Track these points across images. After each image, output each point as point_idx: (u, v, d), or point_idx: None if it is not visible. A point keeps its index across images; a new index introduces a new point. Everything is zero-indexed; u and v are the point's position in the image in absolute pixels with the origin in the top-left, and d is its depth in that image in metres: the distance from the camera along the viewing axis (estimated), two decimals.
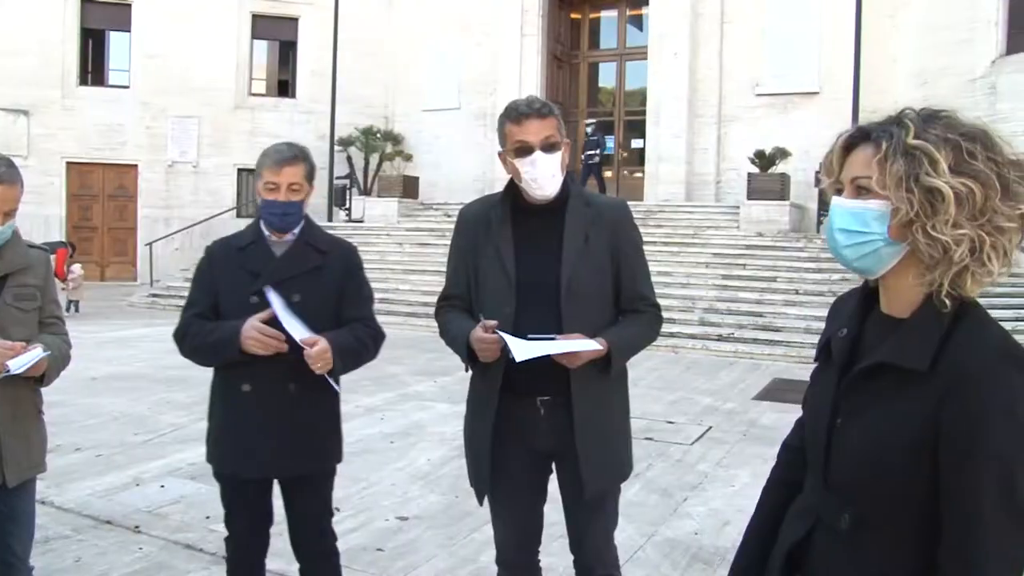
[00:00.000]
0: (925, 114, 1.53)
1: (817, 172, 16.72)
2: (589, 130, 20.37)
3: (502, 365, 2.68)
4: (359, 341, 3.06)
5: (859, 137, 1.57)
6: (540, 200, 2.75)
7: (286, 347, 2.85)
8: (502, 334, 2.58)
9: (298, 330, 2.86)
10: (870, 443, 1.53)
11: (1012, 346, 1.46)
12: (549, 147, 2.67)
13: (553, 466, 2.90)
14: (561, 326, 2.66)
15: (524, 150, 2.66)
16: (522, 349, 2.51)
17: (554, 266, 2.71)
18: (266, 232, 3.07)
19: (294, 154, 3.02)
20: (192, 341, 3.02)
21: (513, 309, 2.70)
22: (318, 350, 2.84)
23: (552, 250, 2.73)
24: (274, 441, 2.97)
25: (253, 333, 2.84)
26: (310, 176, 3.08)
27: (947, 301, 1.47)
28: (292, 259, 3.04)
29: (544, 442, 2.78)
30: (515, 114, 2.68)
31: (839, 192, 1.58)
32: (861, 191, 1.53)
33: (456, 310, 2.92)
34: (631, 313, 2.84)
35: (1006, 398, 1.40)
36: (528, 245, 2.76)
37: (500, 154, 2.77)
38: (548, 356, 2.57)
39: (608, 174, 22.54)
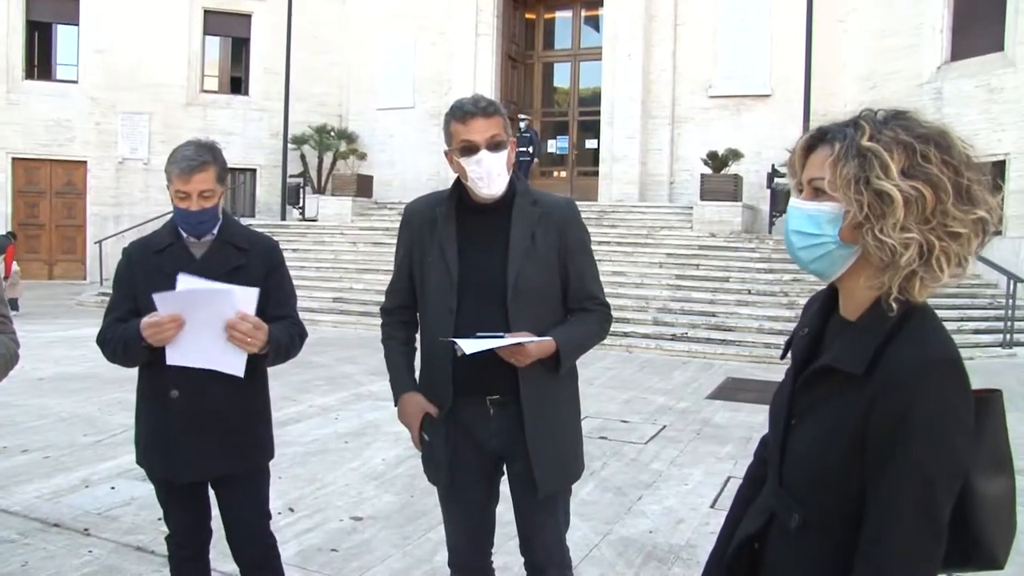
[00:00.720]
0: (884, 115, 1.52)
1: (769, 173, 16.94)
2: (522, 126, 20.21)
3: (449, 366, 2.69)
4: (290, 337, 3.02)
5: (818, 138, 1.56)
6: (486, 199, 2.74)
7: (179, 323, 2.76)
8: (452, 339, 2.58)
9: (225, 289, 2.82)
10: (813, 446, 1.55)
11: (949, 354, 1.45)
12: (495, 146, 2.66)
13: (504, 467, 2.89)
14: (508, 325, 2.66)
15: (470, 149, 2.65)
16: (470, 344, 2.52)
17: (500, 265, 2.70)
18: (184, 233, 2.99)
19: (203, 160, 2.89)
20: (110, 345, 2.96)
21: (455, 307, 2.70)
22: (255, 325, 2.80)
23: (498, 249, 2.72)
24: (203, 445, 2.93)
25: (146, 321, 2.78)
26: (222, 177, 2.97)
27: (894, 305, 1.47)
28: (212, 260, 2.96)
29: (494, 442, 2.78)
30: (460, 113, 2.67)
31: (800, 192, 1.58)
32: (817, 192, 1.52)
33: (397, 336, 2.95)
34: (580, 312, 2.84)
35: (934, 405, 1.40)
36: (474, 244, 2.75)
37: (447, 153, 2.77)
38: (497, 356, 2.58)
39: (563, 174, 22.62)
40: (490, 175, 2.67)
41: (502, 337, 2.57)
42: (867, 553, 1.45)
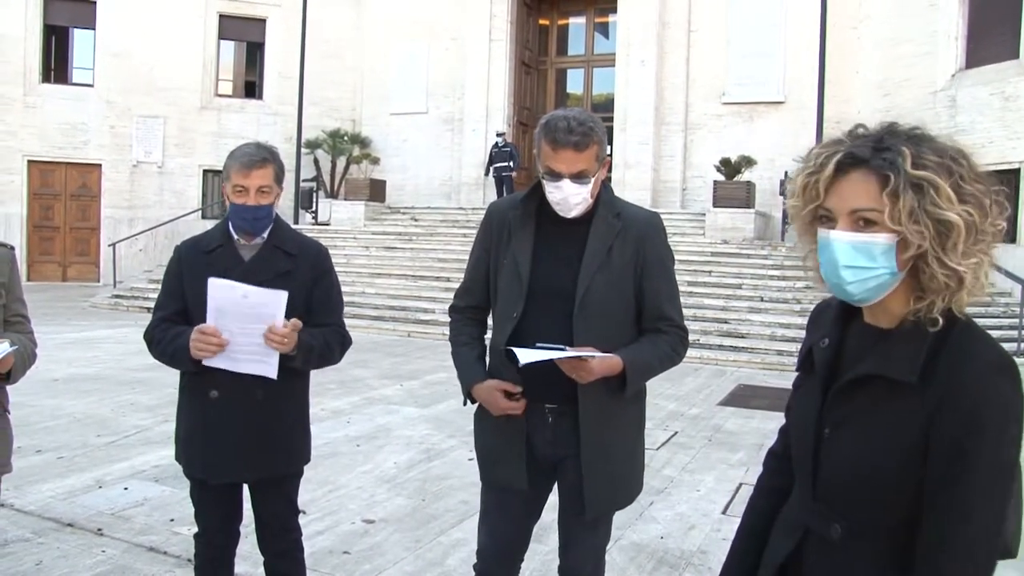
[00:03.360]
0: (909, 135, 1.50)
1: (782, 180, 16.89)
2: (500, 141, 20.07)
3: (514, 372, 2.63)
4: (327, 345, 3.03)
5: (850, 164, 1.50)
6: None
7: (226, 342, 2.80)
8: (511, 348, 2.53)
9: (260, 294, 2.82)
10: (861, 452, 1.53)
11: (1004, 358, 1.46)
12: (580, 177, 2.58)
13: (556, 477, 2.83)
14: (572, 338, 2.59)
15: (553, 175, 2.59)
16: (526, 354, 2.46)
17: (572, 276, 2.64)
18: (234, 235, 3.02)
19: (263, 156, 2.94)
20: (157, 348, 3.00)
21: (520, 313, 2.65)
22: (287, 330, 2.80)
23: (573, 259, 2.65)
24: (241, 447, 2.94)
25: (194, 335, 2.81)
26: (279, 178, 3.01)
27: (940, 319, 1.46)
28: (261, 264, 2.98)
29: (549, 450, 2.72)
30: (551, 137, 2.56)
31: (824, 218, 1.53)
32: (866, 224, 1.47)
33: (466, 331, 2.89)
34: (653, 333, 2.74)
35: (999, 409, 1.42)
36: (549, 251, 2.69)
37: (535, 153, 2.70)
38: (558, 367, 2.52)
39: None
40: (567, 202, 2.61)
41: (563, 350, 2.49)
42: (930, 557, 1.45)
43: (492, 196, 20.34)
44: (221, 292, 2.83)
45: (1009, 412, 1.43)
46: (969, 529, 1.42)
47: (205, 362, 2.86)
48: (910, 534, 1.49)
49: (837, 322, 1.67)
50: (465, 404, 2.86)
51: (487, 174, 20.52)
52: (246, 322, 2.81)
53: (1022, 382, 1.45)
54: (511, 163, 19.74)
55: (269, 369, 2.87)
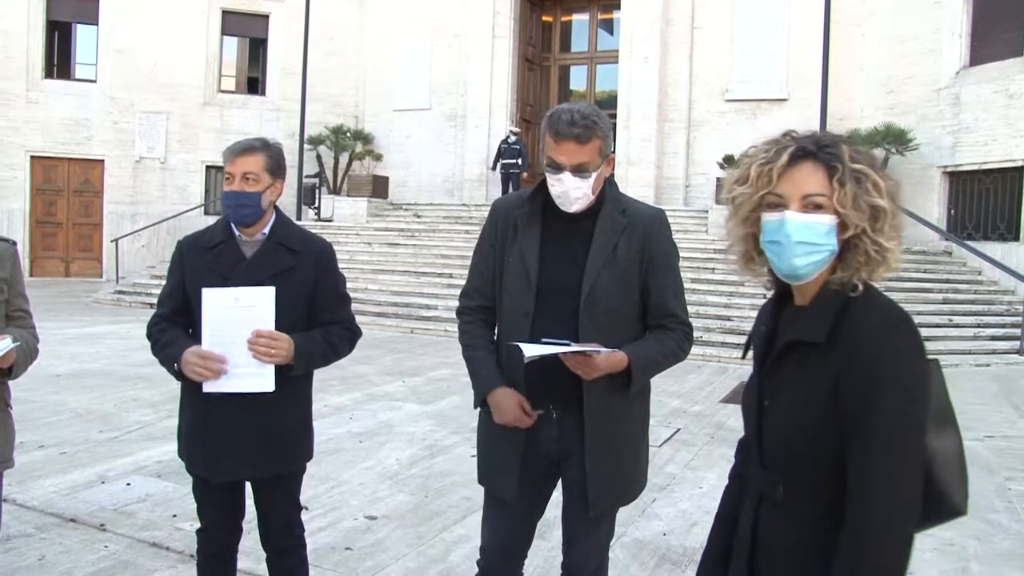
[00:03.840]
0: (838, 138, 1.76)
1: (718, 179, 16.83)
2: (512, 138, 20.10)
3: (522, 369, 2.64)
4: (329, 345, 3.03)
5: (801, 155, 1.73)
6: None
7: (226, 369, 2.82)
8: (516, 344, 2.53)
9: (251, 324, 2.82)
10: (789, 417, 1.73)
11: (898, 314, 1.66)
12: (580, 171, 2.58)
13: (559, 474, 2.83)
14: (577, 335, 2.60)
15: (554, 167, 2.60)
16: (531, 349, 2.47)
17: (577, 273, 2.65)
18: (236, 231, 3.01)
19: (251, 144, 2.95)
20: (154, 347, 3.02)
21: (532, 311, 2.65)
22: (269, 336, 2.80)
23: (579, 256, 2.66)
24: (244, 446, 2.94)
25: (193, 359, 2.82)
26: (272, 169, 2.97)
27: (860, 286, 1.69)
28: (262, 261, 2.97)
29: (553, 447, 2.72)
30: (555, 129, 2.58)
31: (773, 204, 1.74)
32: (815, 207, 1.70)
33: (479, 334, 2.87)
34: (658, 330, 2.75)
35: (896, 360, 1.60)
36: (556, 248, 2.70)
37: (541, 147, 2.71)
38: (563, 364, 2.53)
39: None
40: (567, 195, 2.62)
41: (567, 345, 2.50)
42: (855, 496, 1.60)
43: (496, 193, 20.35)
44: (214, 301, 2.83)
45: (906, 362, 1.61)
46: (876, 474, 1.57)
47: (204, 387, 2.86)
48: (843, 490, 1.64)
49: (772, 310, 1.91)
50: (476, 407, 2.85)
51: (493, 168, 20.47)
52: (239, 328, 2.81)
53: (917, 336, 1.64)
54: (519, 161, 19.72)
55: (266, 383, 2.86)
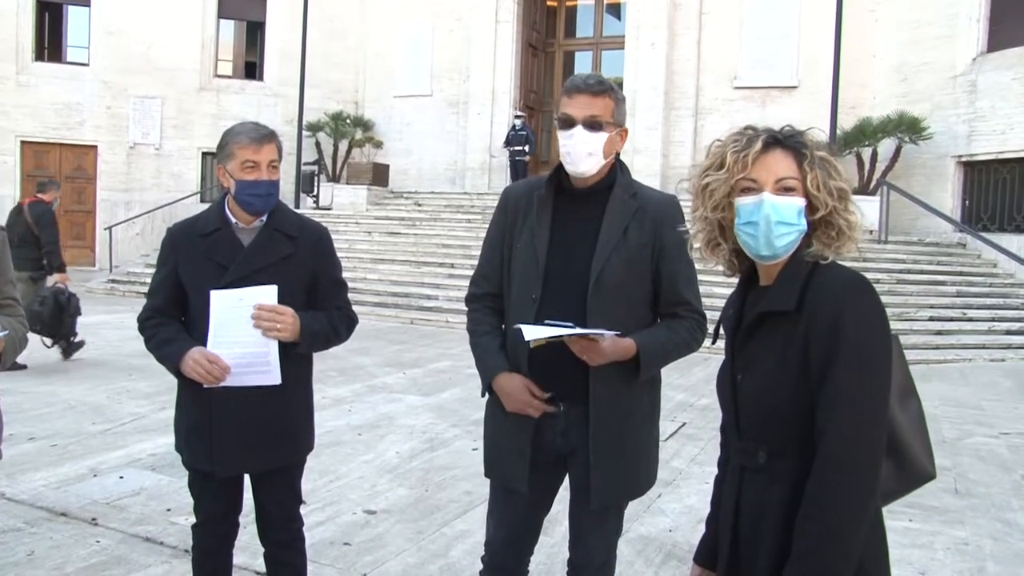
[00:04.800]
0: (797, 131, 1.94)
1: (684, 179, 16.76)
2: (518, 123, 20.02)
3: (525, 359, 2.64)
4: (331, 327, 3.04)
5: (772, 143, 1.91)
6: (577, 177, 2.67)
7: (228, 374, 2.81)
8: (517, 326, 2.53)
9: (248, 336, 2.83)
10: (762, 384, 1.88)
11: (859, 276, 1.83)
12: (592, 125, 2.59)
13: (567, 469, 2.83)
14: (586, 319, 2.58)
15: (566, 122, 2.60)
16: (532, 331, 2.45)
17: (587, 257, 2.64)
18: (232, 218, 2.99)
19: (270, 131, 2.96)
20: (148, 342, 3.00)
21: (538, 296, 2.65)
22: (272, 312, 2.82)
23: (588, 240, 2.66)
24: (245, 439, 2.93)
25: (197, 356, 2.81)
26: (281, 156, 3.02)
27: (830, 257, 1.88)
28: (261, 249, 2.95)
29: (559, 440, 2.71)
30: (570, 86, 2.62)
31: (747, 189, 1.89)
32: (786, 190, 1.87)
33: (486, 321, 2.86)
34: (669, 318, 2.75)
35: (857, 316, 1.76)
36: (565, 232, 2.70)
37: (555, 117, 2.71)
38: (571, 353, 2.52)
39: None
40: (577, 153, 2.61)
41: (572, 328, 2.48)
42: (819, 443, 1.74)
43: (498, 181, 20.35)
44: (223, 303, 2.84)
45: (867, 319, 1.78)
46: (839, 421, 1.72)
47: (205, 385, 2.85)
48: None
49: (739, 294, 2.05)
50: (483, 395, 2.84)
51: (505, 145, 20.36)
52: (244, 328, 2.83)
53: (874, 293, 1.82)
54: (527, 148, 19.66)
55: (271, 377, 2.88)
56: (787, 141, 1.90)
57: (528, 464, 2.71)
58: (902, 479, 1.90)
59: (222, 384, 2.84)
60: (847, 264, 1.92)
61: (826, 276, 1.85)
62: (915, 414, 1.93)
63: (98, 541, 4.39)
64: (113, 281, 17.76)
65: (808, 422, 1.78)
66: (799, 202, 1.87)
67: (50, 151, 21.70)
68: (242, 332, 2.83)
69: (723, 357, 2.06)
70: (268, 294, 2.84)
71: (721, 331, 2.16)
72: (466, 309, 2.98)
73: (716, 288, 14.18)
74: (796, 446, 1.81)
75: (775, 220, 1.85)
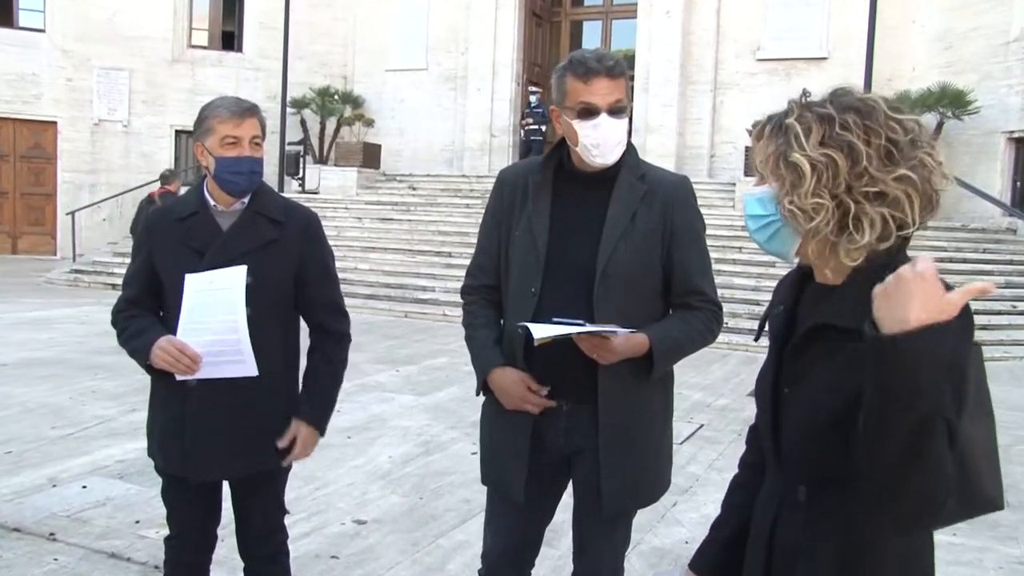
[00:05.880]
0: (823, 95, 1.73)
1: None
2: (533, 99, 19.95)
3: (521, 356, 2.65)
4: (335, 374, 3.17)
5: (765, 126, 1.78)
6: (595, 167, 2.66)
7: (197, 367, 2.79)
8: (523, 325, 2.52)
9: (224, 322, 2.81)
10: (812, 406, 1.72)
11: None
12: (617, 111, 2.58)
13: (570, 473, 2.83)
14: (592, 314, 2.58)
15: (589, 112, 2.58)
16: (541, 330, 2.45)
17: (592, 245, 2.63)
18: (211, 200, 2.97)
19: (251, 105, 2.93)
20: (120, 336, 2.99)
21: (538, 289, 2.65)
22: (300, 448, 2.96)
23: (593, 227, 2.65)
24: (227, 441, 2.91)
25: (164, 344, 2.78)
26: (264, 133, 2.99)
27: (829, 274, 1.72)
28: (241, 233, 2.93)
29: (562, 441, 2.71)
30: (583, 69, 2.56)
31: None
32: (763, 177, 1.77)
33: (482, 314, 2.86)
34: (683, 309, 2.74)
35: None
36: (567, 219, 2.69)
37: (553, 110, 2.69)
38: (576, 349, 2.51)
39: None
40: (607, 142, 2.61)
41: (582, 325, 2.48)
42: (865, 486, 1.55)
43: (499, 162, 20.29)
44: (195, 286, 2.83)
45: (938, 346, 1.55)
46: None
47: (177, 377, 2.83)
48: None
49: (792, 288, 1.90)
50: (479, 394, 2.84)
51: (522, 119, 20.30)
52: (214, 311, 2.81)
53: (966, 311, 1.55)
54: (542, 127, 19.47)
55: (246, 367, 2.85)
56: (772, 118, 1.77)
57: (526, 469, 2.71)
58: (964, 502, 1.67)
59: (196, 377, 2.82)
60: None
61: None
62: (988, 435, 1.73)
63: (56, 559, 4.35)
64: (77, 271, 17.73)
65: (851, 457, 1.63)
66: (766, 189, 1.75)
67: (2, 127, 21.49)
68: (212, 317, 2.81)
69: (764, 358, 1.95)
70: (237, 275, 2.81)
71: (766, 328, 1.99)
72: (462, 302, 2.98)
73: (736, 279, 14.24)
74: (841, 479, 1.67)
75: (746, 214, 1.80)
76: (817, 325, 1.73)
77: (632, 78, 19.63)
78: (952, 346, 1.45)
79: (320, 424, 3.05)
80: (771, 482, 1.89)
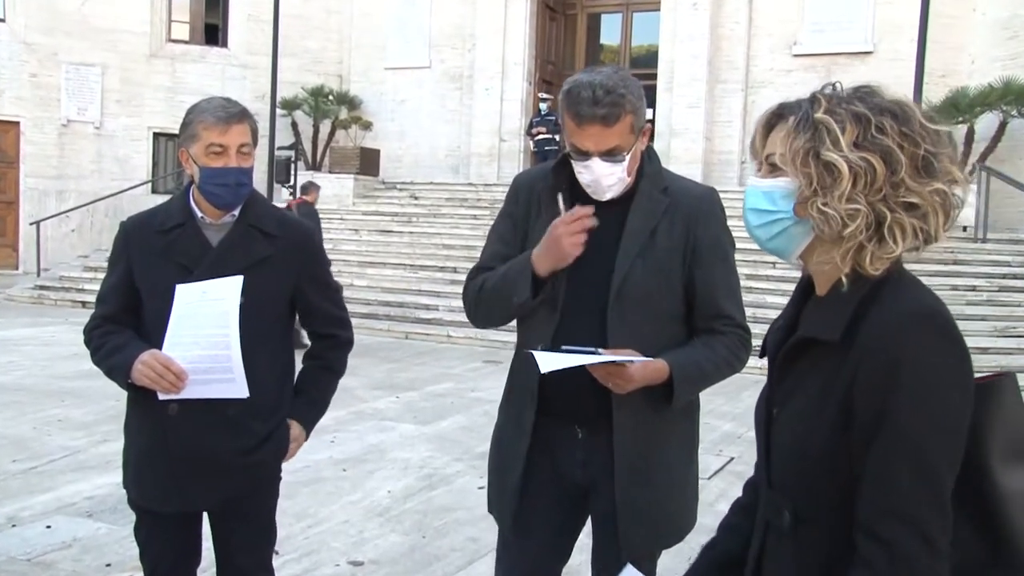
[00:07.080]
0: (846, 91, 1.74)
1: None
2: (544, 107, 19.79)
3: (535, 378, 2.63)
4: (332, 379, 3.29)
5: (778, 115, 1.79)
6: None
7: (182, 385, 2.78)
8: (530, 352, 2.52)
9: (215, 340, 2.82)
10: (796, 425, 1.75)
11: (927, 307, 1.65)
12: (611, 155, 2.58)
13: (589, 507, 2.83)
14: (606, 336, 2.59)
15: (580, 153, 2.60)
16: (548, 360, 2.45)
17: (607, 263, 2.64)
18: (197, 212, 2.97)
19: (240, 110, 2.92)
20: (94, 355, 2.99)
21: (558, 308, 2.66)
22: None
23: (609, 243, 2.66)
24: (208, 471, 2.90)
25: (146, 359, 2.77)
26: (255, 140, 2.99)
27: (844, 280, 1.69)
28: (233, 249, 2.93)
29: (579, 473, 2.72)
30: (574, 110, 2.56)
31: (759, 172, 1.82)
32: (773, 169, 1.76)
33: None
34: (707, 334, 2.73)
35: (918, 360, 1.58)
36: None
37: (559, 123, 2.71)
38: (591, 375, 2.51)
39: None
40: (599, 184, 2.62)
41: (596, 353, 2.48)
42: (866, 527, 1.59)
43: (509, 169, 20.32)
44: (185, 297, 2.84)
45: (933, 367, 1.59)
46: (892, 500, 1.57)
47: (160, 396, 2.83)
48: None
49: (795, 301, 1.94)
50: (533, 298, 2.69)
51: (529, 128, 20.36)
52: (203, 325, 2.82)
53: (952, 332, 1.62)
54: (556, 136, 19.38)
55: (236, 388, 2.85)
56: (791, 108, 1.77)
57: (517, 499, 2.71)
58: (1000, 562, 1.65)
59: (182, 396, 2.82)
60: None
61: (887, 302, 1.66)
62: None
63: None
64: (41, 287, 17.78)
65: (846, 486, 1.65)
66: (777, 183, 1.74)
67: None
68: (201, 331, 2.81)
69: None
70: (231, 287, 2.82)
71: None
72: (469, 322, 2.99)
73: (768, 296, 14.20)
74: (825, 513, 1.70)
75: (748, 207, 1.79)
76: (799, 340, 1.78)
77: (655, 76, 19.76)
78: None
79: (310, 426, 3.14)
80: (762, 507, 1.91)
